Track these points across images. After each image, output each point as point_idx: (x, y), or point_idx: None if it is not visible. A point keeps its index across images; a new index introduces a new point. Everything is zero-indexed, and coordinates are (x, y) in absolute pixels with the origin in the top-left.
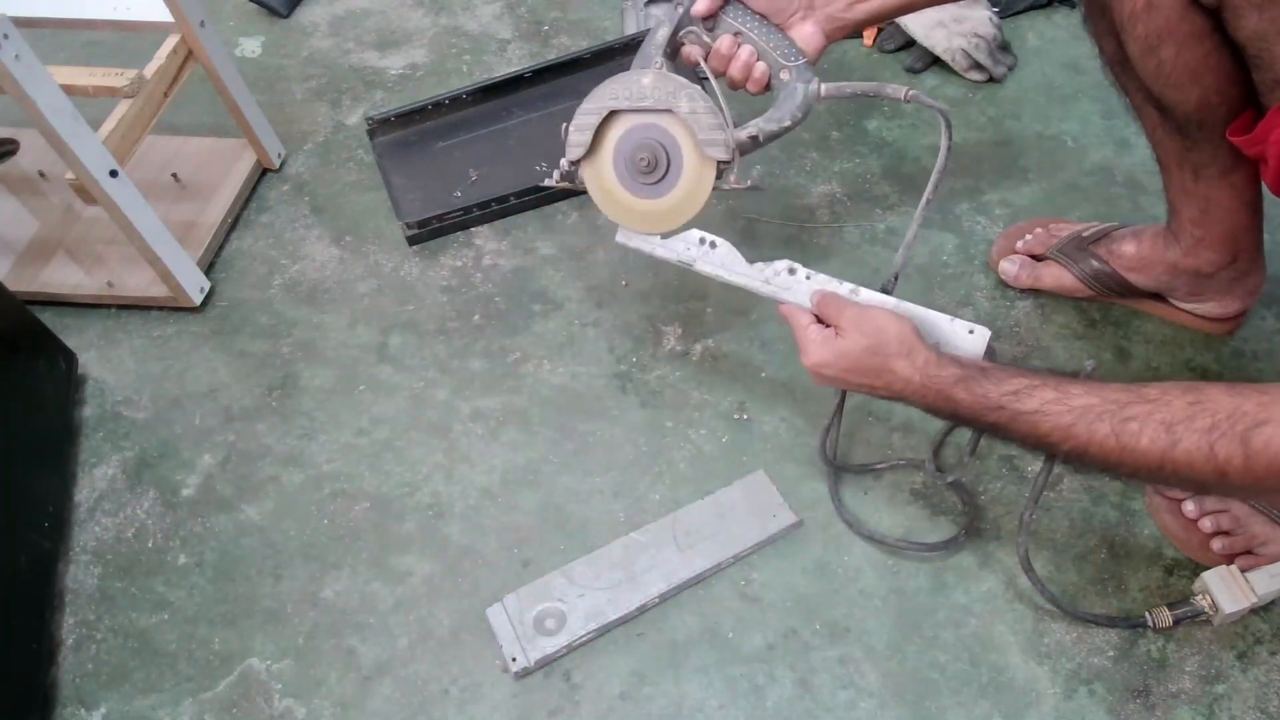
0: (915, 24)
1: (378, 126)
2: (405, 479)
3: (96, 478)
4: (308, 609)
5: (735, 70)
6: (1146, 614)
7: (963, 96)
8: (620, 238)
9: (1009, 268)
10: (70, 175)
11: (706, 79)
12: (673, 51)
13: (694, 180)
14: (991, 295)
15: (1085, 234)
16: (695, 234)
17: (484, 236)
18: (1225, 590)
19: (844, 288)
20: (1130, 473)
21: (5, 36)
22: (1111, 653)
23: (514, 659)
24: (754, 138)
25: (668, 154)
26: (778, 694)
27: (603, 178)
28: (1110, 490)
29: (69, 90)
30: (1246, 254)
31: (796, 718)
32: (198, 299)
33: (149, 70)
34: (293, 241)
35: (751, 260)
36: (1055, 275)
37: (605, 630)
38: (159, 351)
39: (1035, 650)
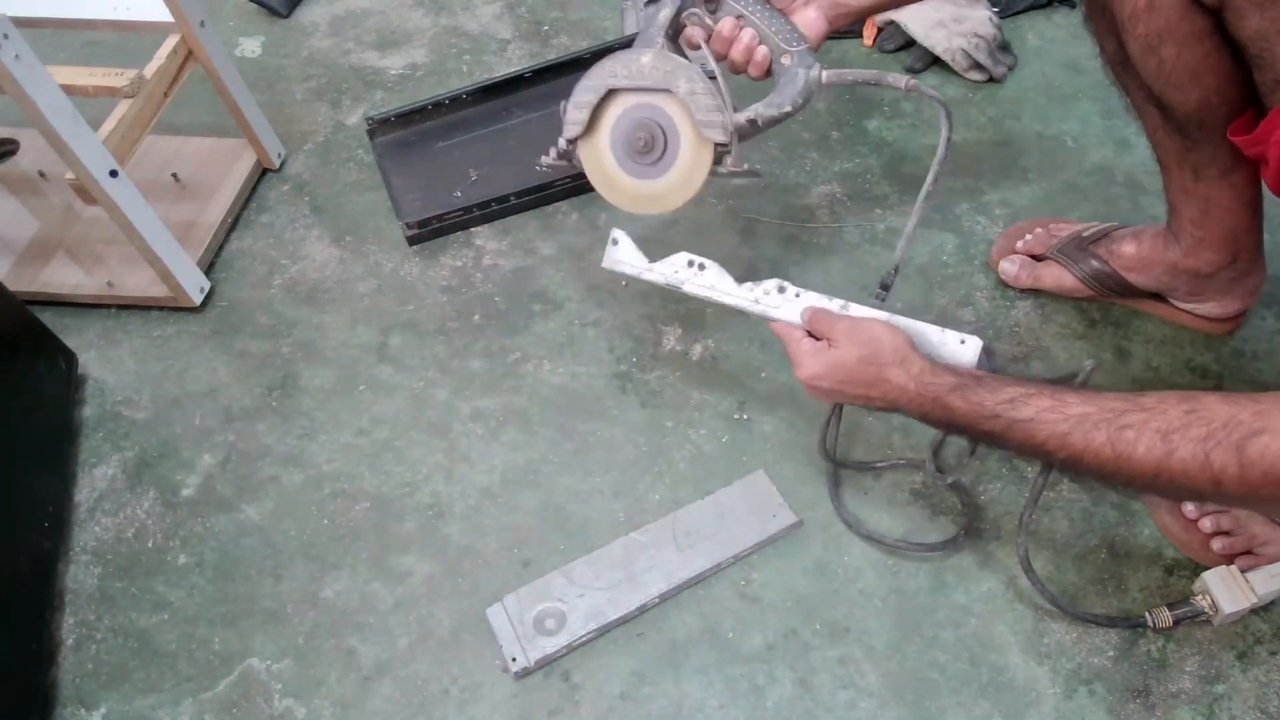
0: (915, 24)
1: (378, 126)
2: (405, 479)
3: (96, 478)
4: (308, 609)
5: (736, 53)
6: (1146, 614)
7: (963, 96)
8: (607, 263)
9: (1009, 268)
10: (70, 175)
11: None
12: (674, 33)
13: (691, 162)
14: (991, 295)
15: (1085, 234)
16: (683, 256)
17: (484, 236)
18: (1225, 590)
19: (834, 304)
20: (1126, 481)
21: (5, 36)
22: (1111, 653)
23: (514, 659)
24: (753, 121)
25: (665, 134)
26: (778, 694)
27: (600, 157)
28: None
29: (69, 90)
30: (1246, 254)
31: (796, 718)
32: (198, 299)
33: (149, 70)
34: (293, 241)
35: (741, 280)
36: (1055, 275)
37: (605, 630)
38: (159, 351)
39: (1035, 650)
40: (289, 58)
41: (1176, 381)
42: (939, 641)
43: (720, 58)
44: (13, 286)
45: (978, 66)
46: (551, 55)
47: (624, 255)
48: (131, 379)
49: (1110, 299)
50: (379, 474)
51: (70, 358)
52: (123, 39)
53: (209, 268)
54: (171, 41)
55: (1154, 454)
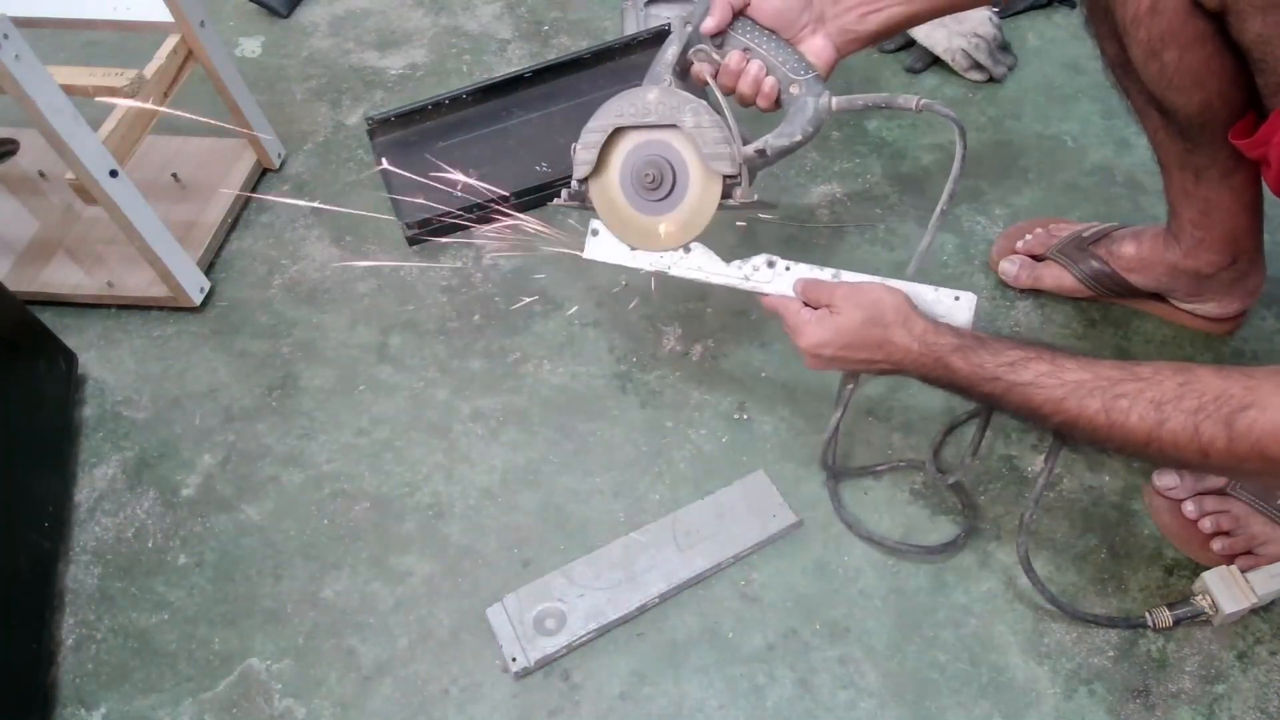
0: None
1: (378, 126)
2: (405, 479)
3: (96, 478)
4: (308, 609)
5: (744, 86)
6: (1146, 614)
7: (963, 96)
8: (588, 254)
9: (1009, 268)
10: (70, 175)
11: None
12: (682, 70)
13: (700, 196)
14: (991, 295)
15: (1085, 234)
16: None
17: (484, 236)
18: (1225, 590)
19: (825, 273)
20: (1117, 448)
21: (5, 36)
22: (1111, 653)
23: (514, 659)
24: (762, 151)
25: (674, 170)
26: (778, 694)
27: (610, 195)
28: (1110, 490)
29: (69, 90)
30: (1246, 255)
31: (796, 718)
32: (198, 299)
33: (149, 70)
34: (293, 241)
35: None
36: (1055, 275)
37: (605, 630)
38: (159, 351)
39: (1035, 650)
40: (289, 58)
41: None
42: (939, 641)
43: (728, 91)
44: (13, 286)
45: (978, 66)
46: (551, 55)
47: (605, 245)
48: (131, 379)
49: (1110, 299)
50: (379, 474)
51: (70, 358)
52: (123, 39)
53: (209, 268)
54: (171, 41)
55: (1146, 423)
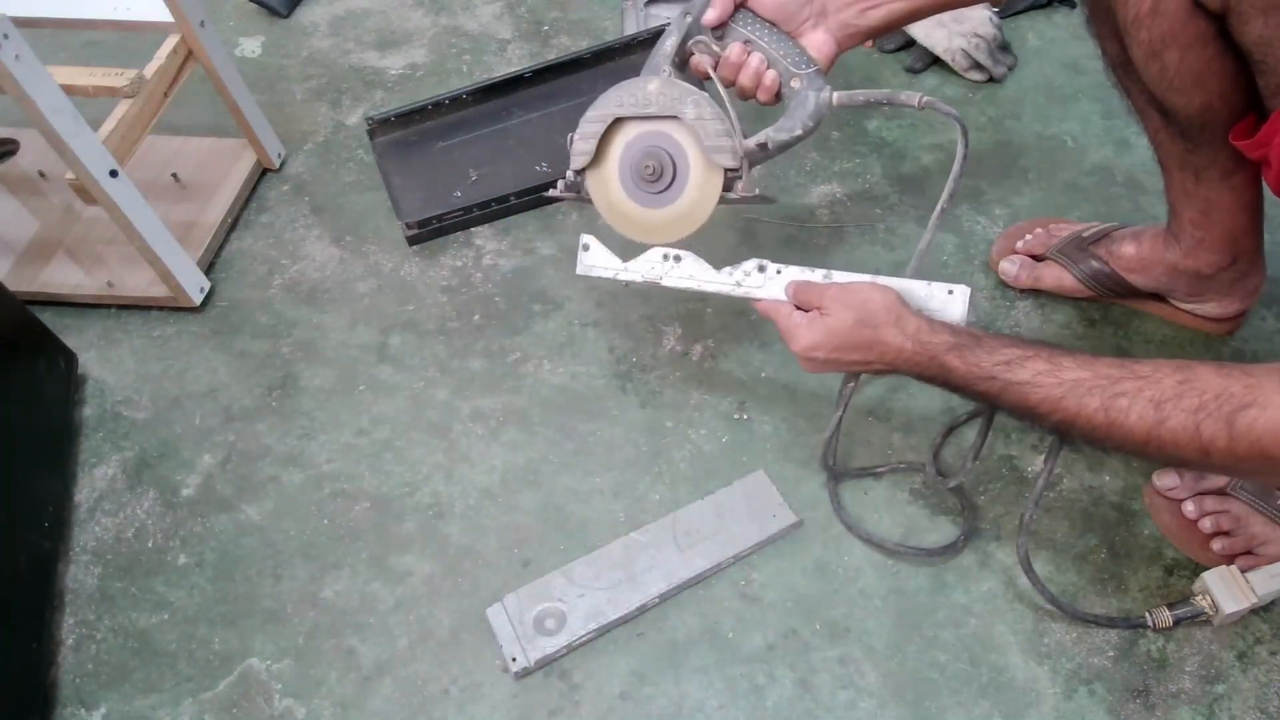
0: (915, 24)
1: (378, 126)
2: (405, 479)
3: (96, 478)
4: (308, 609)
5: (745, 78)
6: (1146, 614)
7: (963, 96)
8: (581, 269)
9: (1009, 268)
10: (70, 175)
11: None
12: (681, 61)
13: (700, 188)
14: (991, 295)
15: (1085, 234)
16: (657, 251)
17: (484, 236)
18: (1225, 590)
19: (816, 274)
20: (1116, 446)
21: (5, 36)
22: (1111, 653)
23: (514, 659)
24: (763, 145)
25: (674, 162)
26: (778, 694)
27: (608, 187)
28: (1110, 490)
29: (69, 90)
30: (1247, 255)
31: (796, 718)
32: (198, 299)
33: (149, 70)
34: (293, 241)
35: (719, 267)
36: (1055, 275)
37: (605, 630)
38: (159, 351)
39: (1035, 650)
40: (289, 58)
41: None
42: (939, 641)
43: (728, 83)
44: (13, 286)
45: (978, 66)
46: (551, 55)
47: (596, 259)
48: (131, 379)
49: (1110, 299)
50: (379, 474)
51: (70, 358)
52: (123, 39)
53: (209, 268)
54: (171, 41)
55: (1145, 422)
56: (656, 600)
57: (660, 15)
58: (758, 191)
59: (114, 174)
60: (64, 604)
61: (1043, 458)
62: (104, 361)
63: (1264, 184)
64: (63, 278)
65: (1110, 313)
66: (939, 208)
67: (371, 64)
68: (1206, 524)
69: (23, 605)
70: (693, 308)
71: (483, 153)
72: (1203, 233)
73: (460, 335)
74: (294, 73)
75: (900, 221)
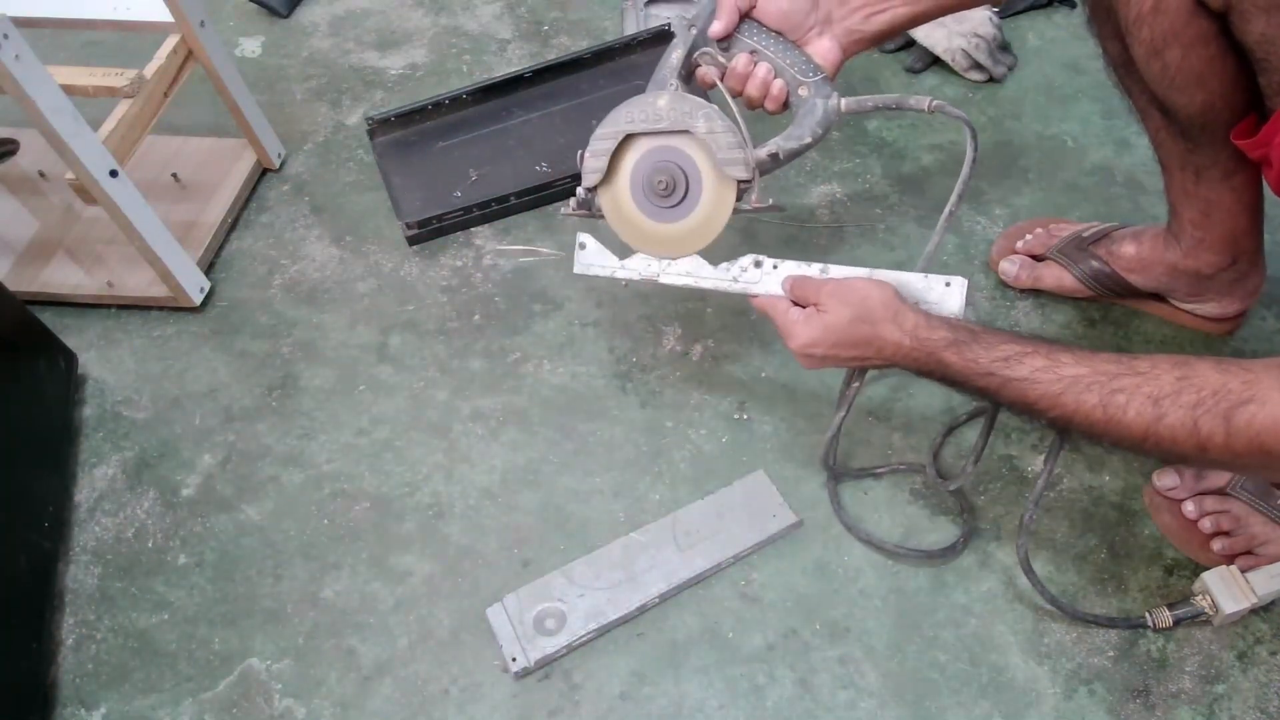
0: None
1: (378, 126)
2: (405, 479)
3: (96, 478)
4: (308, 609)
5: (752, 88)
6: (1146, 614)
7: (963, 96)
8: (578, 268)
9: (1009, 268)
10: (70, 175)
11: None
12: (687, 74)
13: (714, 201)
14: (991, 295)
15: (1085, 234)
16: None
17: (484, 236)
18: (1225, 590)
19: (813, 269)
20: (1114, 442)
21: (5, 36)
22: (1111, 653)
23: (514, 659)
24: (774, 155)
25: (686, 176)
26: (778, 694)
27: (620, 203)
28: (1110, 490)
29: (69, 90)
30: (1247, 255)
31: (796, 718)
32: (198, 299)
33: (149, 70)
34: (293, 241)
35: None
36: (1055, 275)
37: (605, 630)
38: (159, 351)
39: (1035, 650)
40: (289, 58)
41: None
42: (939, 641)
43: (735, 94)
44: (13, 286)
45: (978, 66)
46: (551, 55)
47: (593, 257)
48: (131, 379)
49: (1110, 299)
50: (379, 474)
51: (70, 358)
52: (123, 39)
53: (209, 268)
54: (171, 41)
55: (1144, 418)
56: (656, 600)
57: (660, 15)
58: (771, 201)
59: (114, 174)
60: (64, 604)
61: (1043, 458)
62: (104, 361)
63: (1264, 184)
64: (63, 278)
65: (1110, 313)
66: (947, 210)
67: (371, 64)
68: (1206, 524)
69: (23, 605)
70: (693, 307)
71: (483, 153)
72: (1203, 233)
73: (460, 335)
74: (294, 73)
75: (900, 221)
